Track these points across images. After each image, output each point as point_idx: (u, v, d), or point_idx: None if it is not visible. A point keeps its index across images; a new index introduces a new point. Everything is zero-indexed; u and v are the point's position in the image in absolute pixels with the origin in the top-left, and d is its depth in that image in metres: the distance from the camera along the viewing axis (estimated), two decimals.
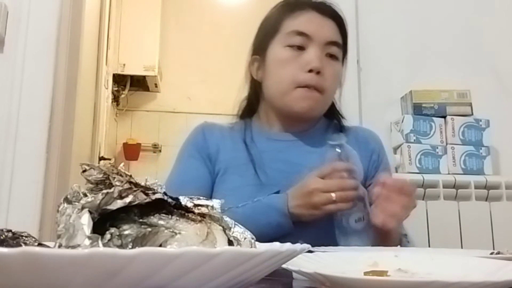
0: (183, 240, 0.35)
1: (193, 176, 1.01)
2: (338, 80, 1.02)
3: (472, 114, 1.68)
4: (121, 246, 0.34)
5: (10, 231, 0.37)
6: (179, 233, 0.36)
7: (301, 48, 0.97)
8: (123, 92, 3.72)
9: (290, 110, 0.98)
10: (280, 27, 1.00)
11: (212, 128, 1.08)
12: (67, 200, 0.36)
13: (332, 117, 1.10)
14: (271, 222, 0.88)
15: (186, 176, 1.02)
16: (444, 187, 1.58)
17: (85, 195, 0.36)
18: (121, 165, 0.39)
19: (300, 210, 0.88)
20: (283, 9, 1.02)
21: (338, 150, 0.88)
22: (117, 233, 0.34)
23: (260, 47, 1.04)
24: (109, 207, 0.35)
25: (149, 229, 0.35)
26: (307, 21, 0.98)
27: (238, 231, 0.40)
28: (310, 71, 0.94)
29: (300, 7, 1.00)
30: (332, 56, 0.98)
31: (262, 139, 1.04)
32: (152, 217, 0.36)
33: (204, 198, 0.40)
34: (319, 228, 0.92)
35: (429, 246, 1.30)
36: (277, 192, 0.93)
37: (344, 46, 1.03)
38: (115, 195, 0.35)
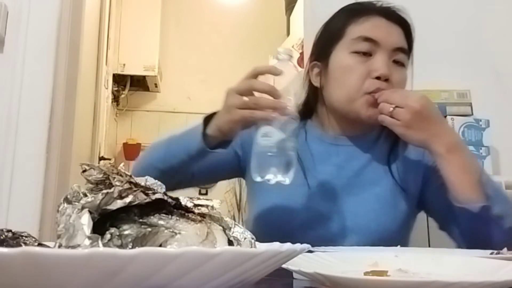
0: (183, 240, 0.35)
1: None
2: (404, 87, 0.98)
3: (472, 114, 1.67)
4: (121, 246, 0.34)
5: (10, 231, 0.37)
6: (179, 233, 0.36)
7: (367, 54, 0.94)
8: (123, 92, 3.73)
9: (357, 117, 0.94)
10: (345, 33, 0.96)
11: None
12: (67, 200, 0.36)
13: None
14: (185, 142, 0.87)
15: None
16: None
17: (85, 195, 0.36)
18: (121, 165, 0.39)
19: (217, 118, 0.84)
20: (347, 15, 0.99)
21: (277, 59, 0.80)
22: (117, 233, 0.34)
23: (321, 53, 1.00)
24: (109, 207, 0.35)
25: (149, 229, 0.35)
26: (374, 27, 0.95)
27: (238, 231, 0.40)
28: (378, 78, 0.91)
29: (365, 12, 0.97)
30: (398, 63, 0.95)
31: (316, 141, 1.01)
32: (152, 217, 0.36)
33: (204, 198, 0.40)
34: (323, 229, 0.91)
35: (429, 246, 1.30)
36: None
37: (409, 53, 1.00)
38: (115, 195, 0.35)
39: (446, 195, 0.87)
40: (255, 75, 0.80)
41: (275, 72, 0.77)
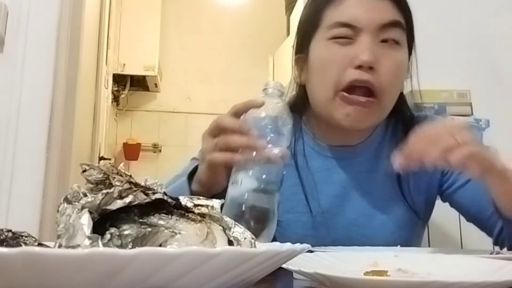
0: (183, 240, 0.35)
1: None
2: (401, 71, 0.82)
3: (472, 114, 1.67)
4: (121, 246, 0.34)
5: (10, 231, 0.37)
6: (179, 233, 0.36)
7: (347, 38, 0.78)
8: (123, 92, 3.72)
9: (333, 122, 0.79)
10: (321, 19, 0.81)
11: None
12: (67, 200, 0.36)
13: (396, 116, 0.89)
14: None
15: None
16: None
17: (85, 195, 0.36)
18: (121, 165, 0.39)
19: (197, 172, 0.72)
20: None
21: (264, 93, 0.67)
22: (117, 233, 0.34)
23: (302, 44, 0.86)
24: (109, 207, 0.35)
25: (149, 229, 0.35)
26: (351, 7, 0.79)
27: (238, 231, 0.40)
28: (359, 67, 0.75)
29: None
30: (389, 41, 0.78)
31: (314, 154, 0.88)
32: (152, 217, 0.36)
33: (204, 198, 0.40)
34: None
35: (429, 246, 1.30)
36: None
37: (408, 27, 0.83)
38: (115, 195, 0.35)
39: (477, 192, 0.79)
40: (234, 114, 0.67)
41: (256, 105, 0.65)
